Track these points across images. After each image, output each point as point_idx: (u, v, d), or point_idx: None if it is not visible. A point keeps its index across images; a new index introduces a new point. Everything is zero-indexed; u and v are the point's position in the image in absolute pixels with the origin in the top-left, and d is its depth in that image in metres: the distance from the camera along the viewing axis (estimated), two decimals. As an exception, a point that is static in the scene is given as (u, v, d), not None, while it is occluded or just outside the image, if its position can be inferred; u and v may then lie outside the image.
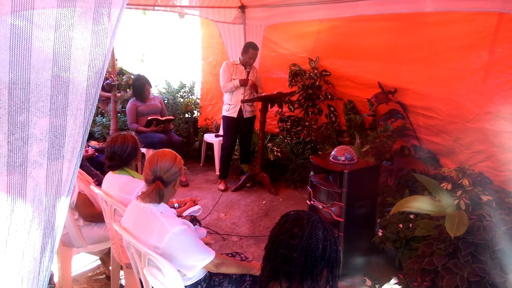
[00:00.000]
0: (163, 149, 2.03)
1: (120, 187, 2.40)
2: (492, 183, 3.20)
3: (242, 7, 5.25)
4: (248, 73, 4.45)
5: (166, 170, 1.93)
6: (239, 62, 4.56)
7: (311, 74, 4.69)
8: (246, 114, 4.65)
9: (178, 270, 1.77)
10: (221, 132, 5.35)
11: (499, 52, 3.08)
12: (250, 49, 4.43)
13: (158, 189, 1.88)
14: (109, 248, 2.74)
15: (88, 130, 1.10)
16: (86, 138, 1.10)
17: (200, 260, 1.82)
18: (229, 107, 4.63)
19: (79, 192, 2.56)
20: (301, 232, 1.29)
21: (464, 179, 3.07)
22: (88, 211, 2.61)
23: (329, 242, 1.32)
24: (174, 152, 2.04)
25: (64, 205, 1.10)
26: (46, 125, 1.03)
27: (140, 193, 1.98)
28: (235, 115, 4.60)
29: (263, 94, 4.52)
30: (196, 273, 1.88)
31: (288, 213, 1.39)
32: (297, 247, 1.27)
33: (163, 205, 1.94)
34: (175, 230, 1.79)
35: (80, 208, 2.61)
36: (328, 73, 4.64)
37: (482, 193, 2.97)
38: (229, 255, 2.25)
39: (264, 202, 4.41)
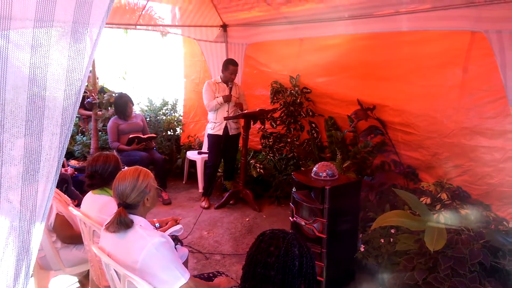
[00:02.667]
0: (125, 170, 1.95)
1: (99, 208, 2.36)
2: (470, 196, 3.27)
3: (224, 26, 5.32)
4: (230, 89, 4.48)
5: (128, 193, 1.86)
6: (220, 80, 4.60)
7: (292, 91, 4.75)
8: (232, 132, 4.66)
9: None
10: (204, 150, 5.35)
11: (472, 70, 3.19)
12: (229, 65, 4.48)
13: (119, 218, 1.82)
14: (88, 270, 2.68)
15: (64, 154, 1.09)
16: (62, 162, 1.09)
17: (176, 279, 1.79)
18: (215, 125, 4.64)
19: (57, 214, 2.51)
20: (277, 250, 1.32)
21: (443, 193, 3.14)
22: (67, 233, 2.56)
23: (305, 258, 1.34)
24: (139, 168, 1.96)
25: (39, 230, 1.08)
26: (21, 149, 1.02)
27: None
28: (220, 132, 4.61)
29: (245, 111, 4.55)
30: None
31: (264, 232, 1.42)
32: (274, 265, 1.29)
33: (141, 218, 1.92)
34: (154, 241, 1.77)
35: (58, 230, 2.55)
36: (308, 91, 4.71)
37: (461, 207, 3.04)
38: (211, 274, 2.23)
39: (247, 219, 4.39)
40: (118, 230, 1.83)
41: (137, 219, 1.90)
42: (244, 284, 1.35)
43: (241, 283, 1.37)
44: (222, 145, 4.61)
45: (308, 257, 1.35)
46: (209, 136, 4.73)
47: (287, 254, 1.31)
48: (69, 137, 1.10)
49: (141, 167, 1.99)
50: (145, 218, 1.98)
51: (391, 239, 2.95)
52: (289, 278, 1.29)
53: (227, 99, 4.43)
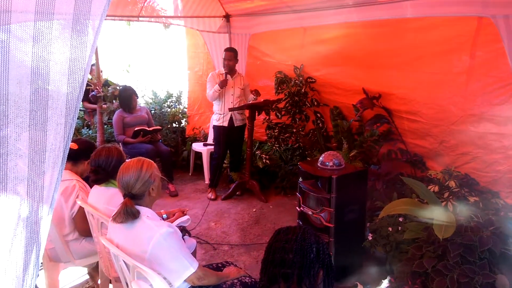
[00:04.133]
0: (129, 161, 1.96)
1: (106, 200, 2.37)
2: (478, 184, 3.24)
3: (227, 16, 5.28)
4: (226, 74, 4.47)
5: (132, 184, 1.87)
6: (224, 71, 4.58)
7: (297, 81, 4.72)
8: (237, 123, 4.65)
9: (165, 278, 1.76)
10: (209, 141, 5.34)
11: (479, 56, 3.14)
12: (224, 52, 4.54)
13: (125, 208, 1.83)
14: (97, 262, 2.70)
15: (69, 144, 1.08)
16: (67, 153, 1.09)
17: (185, 268, 1.80)
18: (220, 116, 4.63)
19: (80, 206, 2.51)
20: (294, 236, 1.38)
21: (451, 181, 3.12)
22: (86, 226, 2.55)
23: (321, 246, 1.40)
24: (142, 159, 1.96)
25: (46, 221, 1.08)
26: (26, 140, 1.02)
27: None
28: (226, 124, 4.60)
29: (250, 102, 4.53)
30: (181, 286, 1.85)
31: (281, 227, 1.48)
32: (292, 249, 1.35)
33: (147, 209, 1.93)
34: (162, 231, 1.78)
35: (77, 222, 2.57)
36: (313, 80, 4.68)
37: (469, 194, 3.01)
38: (219, 264, 2.24)
39: (254, 210, 4.39)
40: (125, 221, 1.83)
41: (143, 210, 1.90)
42: (264, 273, 1.38)
43: (261, 273, 1.40)
44: (227, 136, 4.60)
45: (325, 246, 1.41)
46: (215, 127, 4.73)
47: (304, 239, 1.37)
48: (73, 127, 1.09)
49: (144, 157, 2.00)
50: (151, 208, 1.98)
51: (399, 228, 2.94)
52: (307, 262, 1.33)
53: (222, 84, 4.41)
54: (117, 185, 1.94)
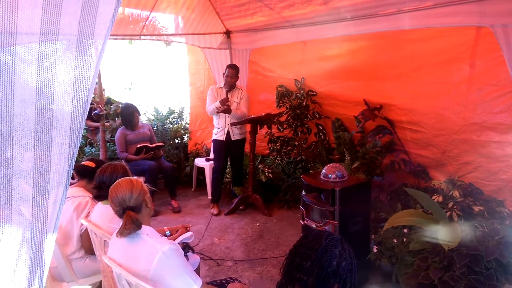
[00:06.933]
0: (117, 181, 1.99)
1: (110, 218, 2.36)
2: (483, 193, 3.23)
3: (227, 33, 5.34)
4: (227, 92, 4.49)
5: (128, 197, 1.90)
6: (223, 86, 4.61)
7: (298, 94, 4.74)
8: (234, 137, 4.66)
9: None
10: (211, 156, 5.36)
11: (479, 65, 3.15)
12: (227, 68, 4.54)
13: (131, 218, 1.84)
14: (101, 281, 2.68)
15: (73, 164, 1.09)
16: (71, 172, 1.09)
17: (188, 286, 1.78)
18: (217, 130, 4.67)
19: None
20: (318, 245, 1.40)
21: (455, 191, 3.10)
22: (92, 244, 2.54)
23: (344, 262, 1.40)
24: (129, 178, 2.01)
25: (51, 241, 1.08)
26: (30, 161, 1.03)
27: None
28: (222, 138, 4.62)
29: (251, 116, 4.55)
30: None
31: (313, 230, 1.53)
32: (311, 257, 1.37)
33: (147, 227, 1.92)
34: (164, 249, 1.77)
35: (84, 239, 2.56)
36: (314, 93, 4.70)
37: (473, 204, 3.00)
38: (223, 281, 2.22)
39: (258, 224, 4.37)
40: (133, 231, 1.83)
41: (143, 228, 1.89)
42: (284, 272, 1.43)
43: (281, 270, 1.45)
44: (226, 150, 4.62)
45: (348, 261, 1.41)
46: (213, 141, 4.79)
47: (326, 251, 1.38)
48: (78, 147, 1.10)
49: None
50: (149, 225, 1.98)
51: (404, 239, 2.92)
52: (323, 274, 1.34)
53: (223, 102, 4.43)
54: (112, 207, 1.93)
